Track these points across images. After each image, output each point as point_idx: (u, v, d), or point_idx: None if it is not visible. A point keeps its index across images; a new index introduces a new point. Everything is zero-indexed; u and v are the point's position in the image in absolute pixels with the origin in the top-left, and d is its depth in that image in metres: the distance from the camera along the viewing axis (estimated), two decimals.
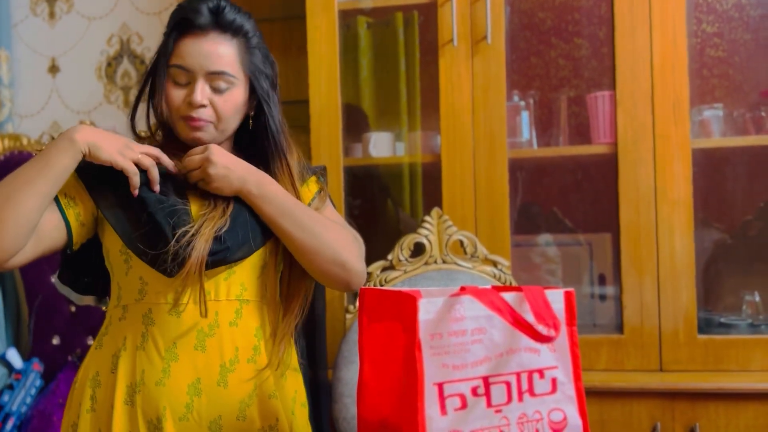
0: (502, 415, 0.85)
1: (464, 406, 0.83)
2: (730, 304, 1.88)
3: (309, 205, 1.16)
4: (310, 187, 1.21)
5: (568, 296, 0.90)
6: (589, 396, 1.59)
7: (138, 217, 1.05)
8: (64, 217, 1.07)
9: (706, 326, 1.76)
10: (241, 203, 1.09)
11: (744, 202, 1.96)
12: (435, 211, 1.66)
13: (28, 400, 2.08)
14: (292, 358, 1.17)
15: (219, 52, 1.09)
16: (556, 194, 2.04)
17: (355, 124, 1.97)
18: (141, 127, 1.24)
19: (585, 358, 1.71)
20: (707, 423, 1.58)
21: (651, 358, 1.69)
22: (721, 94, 1.94)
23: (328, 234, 1.10)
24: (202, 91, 1.08)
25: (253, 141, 1.17)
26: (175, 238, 1.02)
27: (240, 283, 1.09)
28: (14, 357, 2.18)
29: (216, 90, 1.09)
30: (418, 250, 1.65)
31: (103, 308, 1.19)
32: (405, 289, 0.88)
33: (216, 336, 1.06)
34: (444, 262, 1.63)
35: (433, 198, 1.84)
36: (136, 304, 1.08)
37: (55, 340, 2.22)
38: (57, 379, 2.11)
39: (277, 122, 1.15)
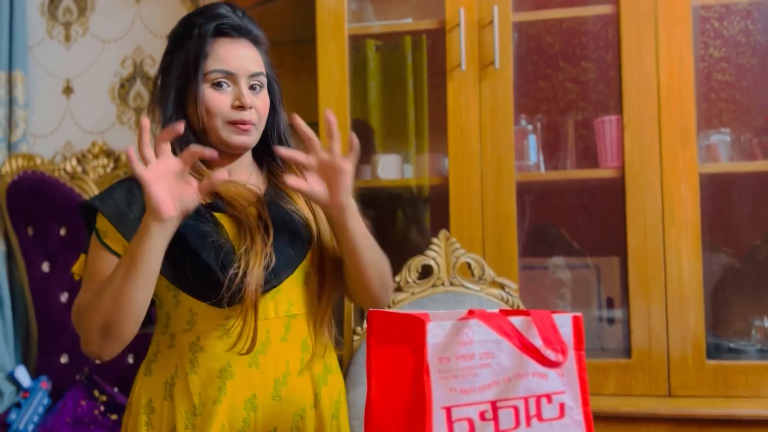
0: None
1: (472, 430, 0.83)
2: (739, 329, 1.87)
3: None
4: None
5: (576, 321, 0.90)
6: (597, 421, 1.59)
7: (183, 257, 1.03)
8: None
9: (715, 351, 1.74)
10: (279, 227, 1.08)
11: (752, 226, 1.95)
12: (442, 233, 1.67)
13: (36, 418, 2.09)
14: (334, 360, 1.19)
15: (252, 55, 1.12)
16: (563, 217, 2.05)
17: (363, 141, 1.99)
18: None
19: (593, 383, 1.69)
20: None
21: (659, 383, 1.68)
22: (729, 118, 1.95)
23: (384, 258, 1.14)
24: (247, 92, 1.09)
25: (262, 143, 1.17)
26: (228, 279, 1.01)
27: (287, 299, 1.10)
28: (23, 375, 2.19)
29: (253, 91, 1.11)
30: (426, 272, 1.65)
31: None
32: (413, 311, 0.88)
33: (269, 352, 1.07)
34: (451, 284, 1.63)
35: (441, 220, 1.85)
36: (183, 333, 1.08)
37: (63, 359, 2.23)
38: (64, 397, 2.11)
39: (286, 121, 1.18)
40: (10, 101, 2.36)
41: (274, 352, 1.08)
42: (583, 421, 0.89)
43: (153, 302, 1.11)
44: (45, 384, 2.17)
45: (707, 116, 1.94)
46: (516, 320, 0.86)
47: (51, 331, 2.25)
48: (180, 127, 0.97)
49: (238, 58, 1.10)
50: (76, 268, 1.15)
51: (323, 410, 1.13)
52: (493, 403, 0.84)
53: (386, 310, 0.96)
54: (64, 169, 2.30)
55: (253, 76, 1.11)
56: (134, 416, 1.10)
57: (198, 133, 1.11)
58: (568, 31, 2.05)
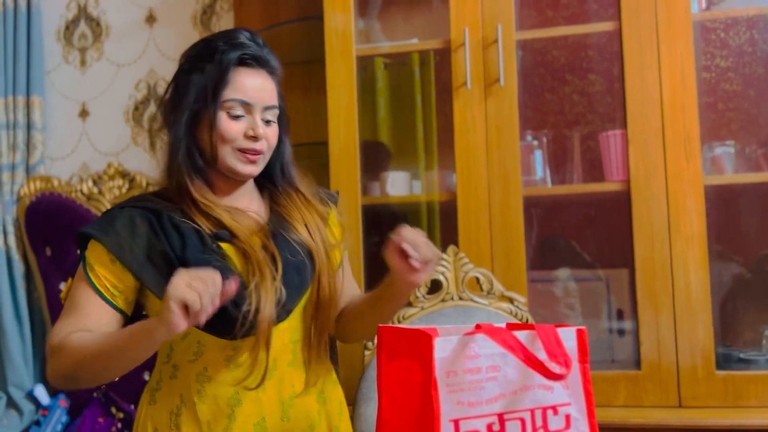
0: None
1: None
2: (749, 340, 1.87)
3: (334, 246, 1.20)
4: (334, 225, 1.24)
5: (580, 334, 0.92)
6: None
7: None
8: (115, 307, 1.07)
9: (725, 362, 1.75)
10: (285, 260, 1.09)
11: (760, 236, 1.96)
12: (451, 248, 1.69)
13: None
14: (332, 372, 1.22)
15: (269, 86, 1.14)
16: (571, 231, 2.07)
17: (376, 160, 2.03)
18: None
19: (603, 395, 1.71)
20: None
21: (669, 394, 1.69)
22: (736, 127, 1.97)
23: None
24: (262, 124, 1.11)
25: (265, 171, 1.19)
26: (241, 315, 1.02)
27: (290, 327, 1.13)
28: (41, 393, 2.23)
29: (266, 122, 1.13)
30: (435, 287, 1.68)
31: None
32: (422, 326, 0.91)
33: (275, 377, 1.10)
34: (461, 299, 1.65)
35: (450, 235, 1.88)
36: (189, 364, 1.09)
37: None
38: (83, 415, 2.14)
39: (290, 151, 1.21)
40: (29, 125, 2.42)
41: (281, 376, 1.10)
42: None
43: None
44: (63, 402, 2.20)
45: (715, 125, 1.95)
46: (521, 334, 0.89)
47: None
48: (233, 287, 0.93)
49: (256, 89, 1.11)
50: (63, 294, 1.16)
51: (330, 420, 1.16)
52: (500, 416, 0.86)
53: (395, 325, 0.98)
54: (81, 191, 2.36)
55: (268, 108, 1.13)
56: None
57: (207, 156, 1.12)
58: (573, 45, 2.07)
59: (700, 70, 1.96)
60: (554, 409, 0.89)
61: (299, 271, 1.12)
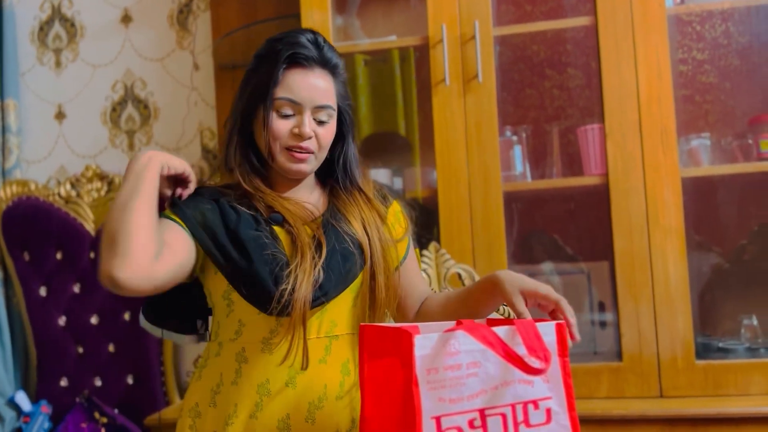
0: None
1: None
2: (728, 329, 1.90)
3: (398, 242, 1.19)
4: (396, 221, 1.23)
5: (559, 328, 0.93)
6: (591, 424, 1.63)
7: (240, 265, 1.06)
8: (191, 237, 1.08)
9: (704, 351, 1.78)
10: (332, 247, 1.10)
11: (738, 227, 1.99)
12: (432, 245, 1.70)
13: None
14: None
15: (324, 86, 1.13)
16: (551, 225, 2.08)
17: (394, 152, 2.03)
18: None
19: (585, 387, 1.73)
20: None
21: (651, 384, 1.71)
22: (713, 119, 1.99)
23: None
24: (310, 124, 1.11)
25: (328, 169, 1.20)
26: (278, 293, 1.04)
27: (331, 320, 1.11)
28: (23, 400, 2.20)
29: (319, 122, 1.13)
30: None
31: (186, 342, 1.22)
32: (404, 324, 0.91)
33: (306, 373, 1.08)
34: None
35: (431, 232, 1.88)
36: (230, 342, 1.11)
37: (63, 382, 2.24)
38: (65, 421, 2.13)
39: (354, 152, 1.20)
40: (3, 128, 2.38)
41: (312, 373, 1.08)
42: (570, 426, 0.91)
43: (210, 310, 1.15)
44: (45, 408, 2.18)
45: (693, 118, 1.98)
46: (500, 330, 0.89)
47: (50, 355, 2.26)
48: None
49: (307, 88, 1.11)
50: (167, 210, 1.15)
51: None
52: (482, 411, 0.86)
53: (378, 324, 0.98)
54: (59, 194, 2.33)
55: (321, 108, 1.12)
56: (182, 419, 1.14)
57: (263, 154, 1.15)
58: (552, 40, 2.08)
59: (677, 63, 1.98)
60: (535, 403, 0.89)
61: (345, 258, 1.11)
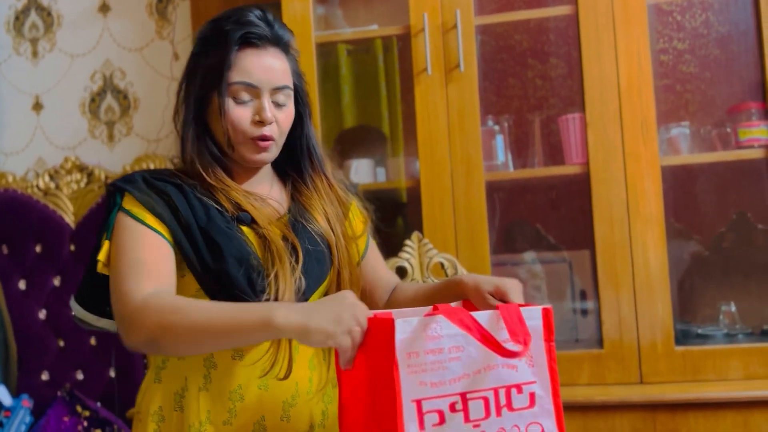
0: (480, 429, 0.87)
1: (442, 421, 0.85)
2: (708, 316, 1.93)
3: (359, 239, 1.16)
4: (355, 216, 1.19)
5: (546, 313, 0.93)
6: (573, 410, 1.65)
7: (217, 271, 1.01)
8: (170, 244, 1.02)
9: (684, 338, 1.80)
10: (306, 250, 1.05)
11: (716, 215, 2.01)
12: (415, 234, 1.70)
13: None
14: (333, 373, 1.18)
15: (279, 66, 1.06)
16: (533, 214, 2.09)
17: (377, 143, 2.02)
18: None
19: (567, 374, 1.75)
20: None
21: (631, 371, 1.73)
22: (694, 108, 2.01)
23: None
24: (271, 108, 1.05)
25: (289, 157, 1.14)
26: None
27: None
28: (3, 394, 2.18)
29: (278, 105, 1.06)
30: (400, 273, 1.68)
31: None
32: (378, 312, 0.91)
33: (285, 361, 1.04)
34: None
35: (416, 222, 1.88)
36: None
37: (44, 376, 2.22)
38: (47, 415, 2.11)
39: (310, 134, 1.13)
40: None
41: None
42: (554, 410, 0.91)
43: None
44: (26, 402, 2.16)
45: (674, 107, 1.99)
46: (483, 314, 0.89)
47: (30, 349, 2.24)
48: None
49: (263, 69, 1.04)
50: (101, 257, 1.03)
51: (332, 425, 1.11)
52: (463, 395, 0.87)
53: None
54: (38, 186, 2.30)
55: (278, 89, 1.06)
56: (143, 423, 1.08)
57: (221, 144, 1.08)
58: (535, 29, 2.08)
59: (658, 53, 1.99)
60: (518, 387, 0.89)
61: (319, 261, 1.08)
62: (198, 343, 0.92)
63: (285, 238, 1.05)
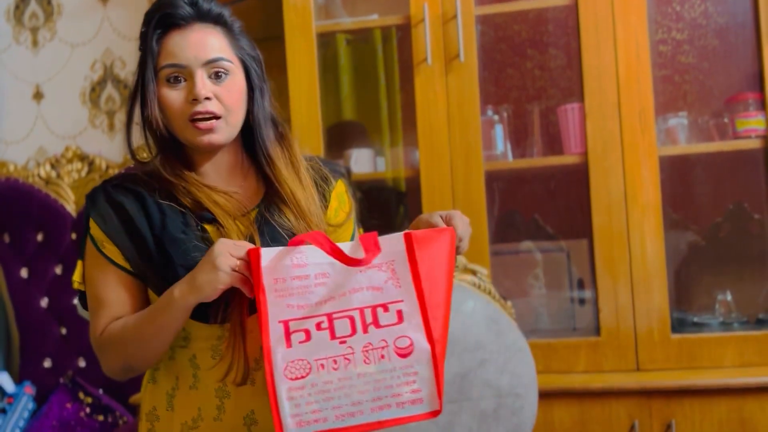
0: (347, 345, 0.92)
1: (308, 339, 0.92)
2: (703, 304, 1.95)
3: (340, 225, 1.12)
4: (340, 202, 1.14)
5: (407, 237, 0.97)
6: (570, 397, 1.67)
7: (162, 271, 1.01)
8: (134, 275, 1.04)
9: (680, 326, 1.82)
10: (266, 246, 1.01)
11: (713, 204, 2.03)
12: None
13: (21, 423, 2.10)
14: None
15: (209, 40, 1.02)
16: (532, 203, 2.11)
17: (377, 132, 2.03)
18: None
19: (565, 361, 1.77)
20: (683, 419, 1.64)
21: (627, 358, 1.75)
22: (692, 99, 2.02)
23: None
24: (203, 82, 1.00)
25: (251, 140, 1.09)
26: (214, 307, 0.99)
27: None
28: (6, 381, 2.20)
29: (216, 79, 1.02)
30: None
31: None
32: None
33: (263, 369, 1.01)
34: None
35: (415, 211, 1.90)
36: (181, 349, 1.06)
37: (47, 363, 2.24)
38: (49, 401, 2.13)
39: (265, 112, 1.07)
40: None
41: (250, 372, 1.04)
42: (422, 324, 0.94)
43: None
44: (29, 389, 2.18)
45: (672, 98, 2.00)
46: (346, 244, 0.96)
47: (33, 337, 2.26)
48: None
49: (188, 46, 1.00)
50: (76, 277, 1.09)
51: None
52: (329, 315, 0.93)
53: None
54: (39, 175, 2.31)
55: (211, 62, 1.01)
56: (141, 422, 1.11)
57: (165, 135, 1.05)
58: (534, 19, 2.08)
59: (656, 43, 2.00)
60: (384, 306, 0.94)
61: None
62: (148, 349, 1.00)
63: (246, 233, 1.03)
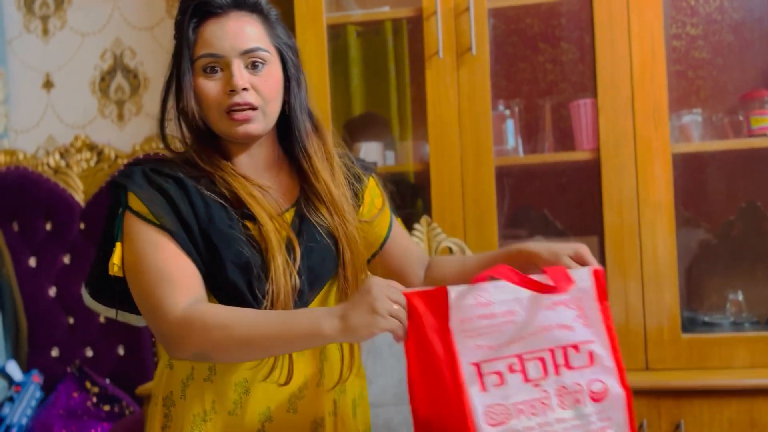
0: (541, 389, 0.89)
1: (502, 382, 0.88)
2: (714, 304, 1.93)
3: (372, 220, 1.12)
4: (374, 197, 1.14)
5: (596, 274, 0.93)
6: None
7: (210, 266, 0.98)
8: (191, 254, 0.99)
9: (690, 325, 1.80)
10: (306, 247, 1.01)
11: (725, 203, 2.01)
12: (424, 218, 1.70)
13: (29, 411, 2.11)
14: (357, 359, 1.14)
15: (246, 29, 1.00)
16: (542, 199, 2.09)
17: (386, 125, 2.01)
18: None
19: None
20: (692, 419, 1.62)
21: (637, 357, 1.73)
22: (706, 95, 1.99)
23: None
24: (240, 73, 0.98)
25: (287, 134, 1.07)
26: (258, 305, 0.97)
27: None
28: (14, 369, 2.21)
29: (253, 69, 0.99)
30: None
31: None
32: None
33: (285, 367, 1.01)
34: None
35: (423, 206, 1.89)
36: None
37: (54, 352, 2.25)
38: (57, 390, 2.14)
39: (302, 103, 1.05)
40: None
41: (291, 366, 1.02)
42: (615, 367, 0.91)
43: None
44: (37, 378, 2.19)
45: (685, 94, 1.98)
46: (533, 277, 0.91)
47: (41, 326, 2.26)
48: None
49: (226, 36, 0.98)
50: (116, 260, 1.00)
51: (343, 415, 1.09)
52: (519, 356, 0.89)
53: (418, 289, 0.96)
54: (48, 164, 2.31)
55: (249, 52, 0.99)
56: (153, 407, 1.08)
57: (201, 126, 1.02)
58: (546, 13, 2.06)
59: (670, 38, 1.97)
60: (576, 346, 0.90)
61: (323, 257, 1.04)
62: (249, 354, 0.95)
63: (286, 236, 1.01)
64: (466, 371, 0.87)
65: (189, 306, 0.93)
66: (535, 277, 0.91)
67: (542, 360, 0.89)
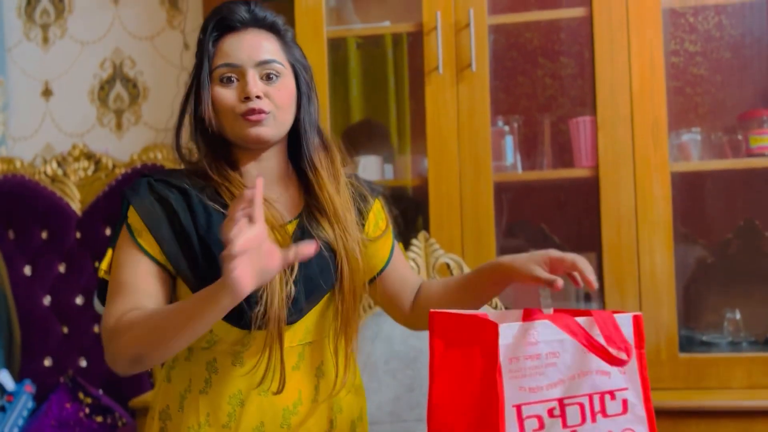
0: None
1: (542, 427, 0.86)
2: (712, 322, 1.92)
3: (375, 240, 1.14)
4: (378, 219, 1.16)
5: (636, 320, 0.93)
6: None
7: (206, 273, 1.00)
8: (164, 269, 1.02)
9: (687, 344, 1.80)
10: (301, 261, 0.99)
11: (724, 221, 2.01)
12: (422, 234, 1.70)
13: (21, 422, 2.10)
14: (357, 377, 1.16)
15: (262, 43, 1.05)
16: (540, 216, 2.08)
17: (385, 139, 2.01)
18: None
19: None
20: None
21: None
22: (704, 111, 2.00)
23: None
24: (255, 81, 1.03)
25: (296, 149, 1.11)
26: (253, 315, 0.99)
27: (305, 327, 1.07)
28: (6, 379, 2.19)
29: (267, 80, 1.05)
30: None
31: None
32: (476, 312, 0.92)
33: (276, 373, 1.03)
34: None
35: (421, 221, 1.88)
36: (202, 351, 1.06)
37: (47, 362, 2.23)
38: (49, 400, 2.12)
39: (312, 119, 1.09)
40: None
41: (286, 380, 1.04)
42: (646, 417, 0.91)
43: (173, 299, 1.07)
44: (29, 387, 2.17)
45: (683, 110, 1.98)
46: (580, 320, 0.89)
47: (34, 335, 2.25)
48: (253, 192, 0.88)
49: (243, 48, 1.04)
50: (104, 265, 1.06)
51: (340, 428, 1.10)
52: (560, 401, 0.88)
53: (447, 310, 0.96)
54: (45, 173, 2.30)
55: (264, 63, 1.04)
56: (150, 420, 1.10)
57: (215, 132, 1.07)
58: (546, 28, 2.07)
59: (669, 54, 1.98)
60: (612, 393, 0.90)
61: (321, 269, 1.05)
62: (169, 343, 0.93)
63: (284, 245, 1.02)
64: (509, 414, 0.85)
65: (124, 314, 0.97)
66: (580, 320, 0.89)
67: (581, 405, 0.88)
